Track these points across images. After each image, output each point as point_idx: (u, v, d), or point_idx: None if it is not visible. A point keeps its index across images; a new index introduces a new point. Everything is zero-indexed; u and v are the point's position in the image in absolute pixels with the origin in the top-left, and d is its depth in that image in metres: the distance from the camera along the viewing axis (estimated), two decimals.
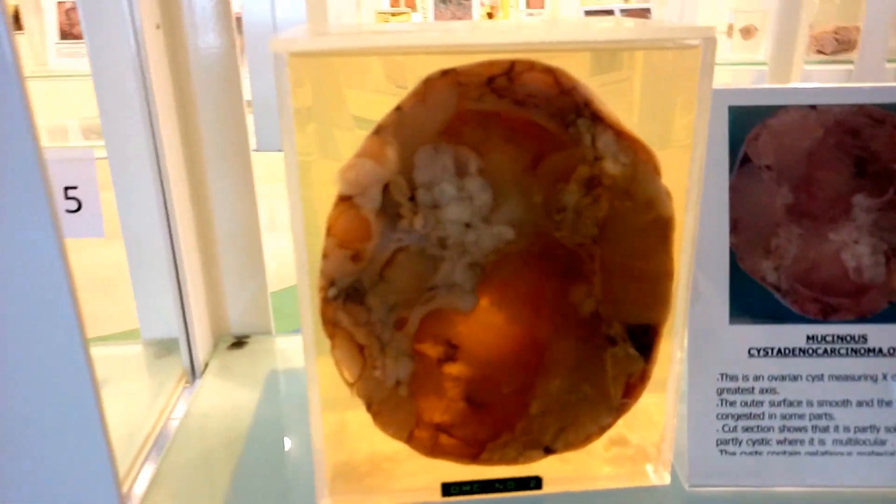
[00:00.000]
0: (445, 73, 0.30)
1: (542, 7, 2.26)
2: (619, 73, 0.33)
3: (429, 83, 0.30)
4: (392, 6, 2.31)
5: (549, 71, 0.30)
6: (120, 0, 0.42)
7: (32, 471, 0.27)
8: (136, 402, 0.47)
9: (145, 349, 0.53)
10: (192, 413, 0.45)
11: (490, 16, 2.23)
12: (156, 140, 0.45)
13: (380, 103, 0.30)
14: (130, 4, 0.42)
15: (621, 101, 0.33)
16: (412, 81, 0.30)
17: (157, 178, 0.46)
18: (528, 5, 2.27)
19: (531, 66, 0.30)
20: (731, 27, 1.86)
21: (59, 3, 2.07)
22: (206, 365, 0.50)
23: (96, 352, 0.47)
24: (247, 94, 0.55)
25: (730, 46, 1.86)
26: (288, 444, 0.42)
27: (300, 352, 0.51)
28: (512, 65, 0.30)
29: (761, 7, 1.93)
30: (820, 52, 1.74)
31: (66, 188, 0.54)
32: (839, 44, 1.71)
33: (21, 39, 2.58)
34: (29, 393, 0.26)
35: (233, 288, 0.53)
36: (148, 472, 0.41)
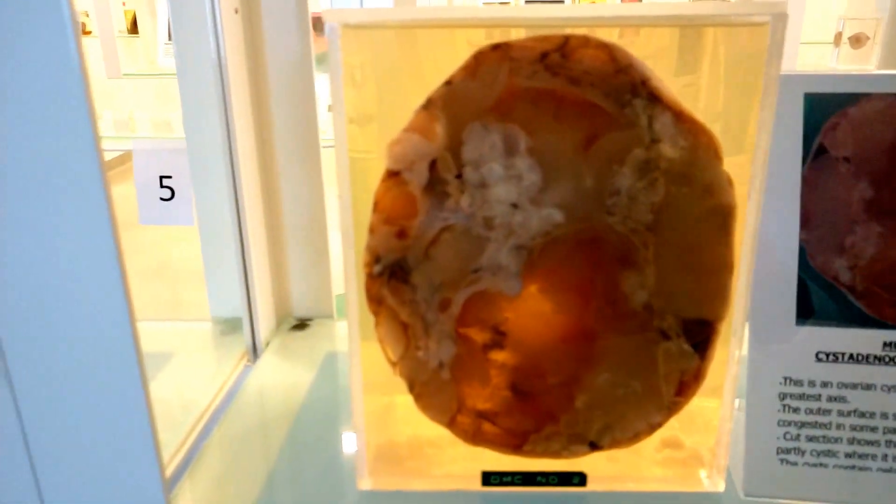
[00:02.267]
0: (496, 48, 0.29)
1: None
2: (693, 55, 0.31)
3: (479, 57, 0.29)
4: None
5: (605, 47, 0.29)
6: None
7: (80, 451, 0.28)
8: (198, 375, 0.49)
9: (214, 327, 0.54)
10: (247, 389, 0.46)
11: None
12: (229, 127, 0.46)
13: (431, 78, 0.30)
14: None
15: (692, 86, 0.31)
16: (463, 56, 0.29)
17: (229, 166, 0.47)
18: None
19: (586, 41, 0.29)
20: (839, 36, 1.76)
21: None
22: (268, 344, 0.51)
23: (168, 327, 0.49)
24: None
25: (837, 56, 1.76)
26: (336, 423, 0.42)
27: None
28: (566, 40, 0.29)
29: (875, 14, 1.82)
30: None
31: (162, 177, 0.56)
32: None
33: (135, 42, 2.75)
34: (79, 375, 0.26)
35: (298, 272, 0.54)
36: (200, 444, 0.42)
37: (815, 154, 0.33)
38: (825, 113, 0.33)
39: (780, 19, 0.28)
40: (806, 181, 0.33)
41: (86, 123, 0.22)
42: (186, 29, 0.48)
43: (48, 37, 0.22)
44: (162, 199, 0.57)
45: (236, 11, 0.45)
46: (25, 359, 0.26)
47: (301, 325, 0.54)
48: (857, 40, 1.76)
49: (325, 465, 0.39)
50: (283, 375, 0.47)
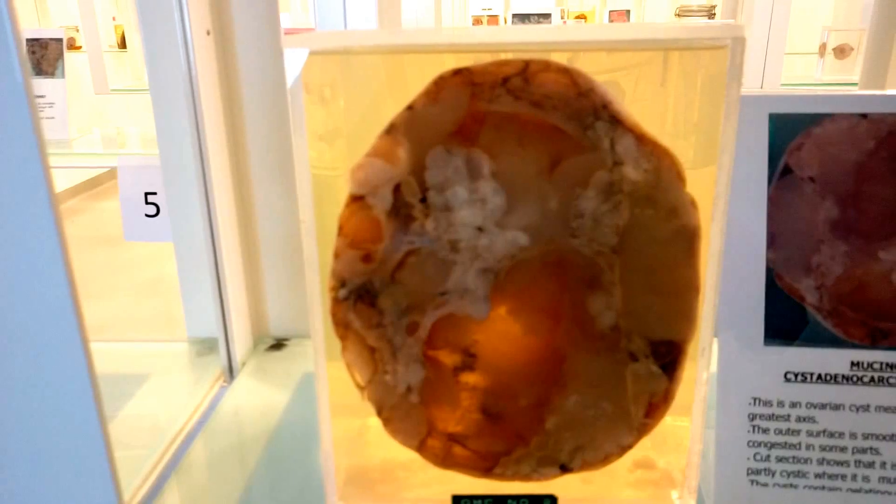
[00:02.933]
0: (458, 72, 0.29)
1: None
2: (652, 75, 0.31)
3: (441, 82, 0.29)
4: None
5: (566, 71, 0.29)
6: (172, 5, 0.44)
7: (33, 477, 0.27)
8: (173, 397, 0.48)
9: (189, 347, 0.54)
10: (223, 410, 0.45)
11: None
12: (202, 146, 0.46)
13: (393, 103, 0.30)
14: (182, 10, 0.43)
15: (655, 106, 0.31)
16: (424, 81, 0.29)
17: (202, 185, 0.47)
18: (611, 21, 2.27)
19: (546, 66, 0.29)
20: (823, 47, 1.78)
21: None
22: (244, 364, 0.51)
23: (143, 348, 0.49)
24: None
25: (821, 67, 1.78)
26: (312, 444, 0.42)
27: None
28: (526, 64, 0.29)
29: (859, 25, 1.84)
30: None
31: (147, 193, 0.56)
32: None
33: (123, 57, 2.75)
34: (30, 398, 0.26)
35: (274, 292, 0.53)
36: (174, 465, 0.42)
37: (780, 174, 0.33)
38: (790, 133, 0.33)
39: (739, 42, 0.28)
40: (772, 201, 0.33)
41: (30, 135, 0.22)
42: (158, 48, 0.48)
43: None
44: (147, 215, 0.57)
45: (208, 33, 0.45)
46: None
47: (278, 344, 0.53)
48: (841, 51, 1.78)
49: (299, 487, 0.39)
50: (259, 396, 0.47)
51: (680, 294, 0.32)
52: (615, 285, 0.32)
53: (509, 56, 0.29)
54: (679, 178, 0.30)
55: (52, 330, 0.25)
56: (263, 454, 0.41)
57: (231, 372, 0.50)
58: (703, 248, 0.31)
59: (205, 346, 0.53)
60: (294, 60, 0.28)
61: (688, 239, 0.31)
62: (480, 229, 0.31)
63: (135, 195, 0.56)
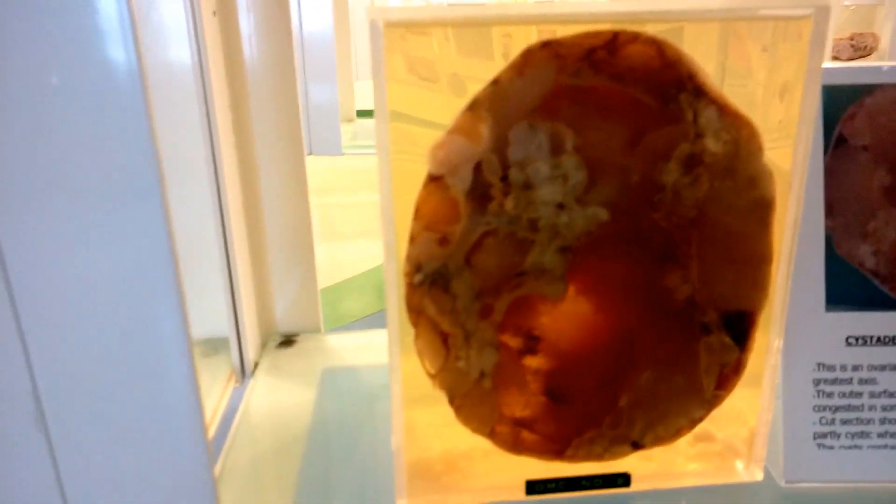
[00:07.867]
0: (545, 45, 0.28)
1: None
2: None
3: (528, 55, 0.28)
4: None
5: (654, 42, 0.28)
6: None
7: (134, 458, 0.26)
8: None
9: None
10: (249, 412, 0.43)
11: None
12: (213, 140, 0.43)
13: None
14: None
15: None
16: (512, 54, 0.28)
17: (212, 179, 0.44)
18: None
19: (635, 37, 0.28)
20: None
21: None
22: (256, 364, 0.48)
23: None
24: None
25: None
26: (354, 442, 0.40)
27: (352, 349, 0.50)
28: (615, 36, 0.28)
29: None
30: (836, 58, 1.72)
31: None
32: (855, 50, 1.69)
33: None
34: (131, 384, 0.25)
35: (282, 286, 0.51)
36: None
37: (835, 144, 0.34)
38: (843, 104, 0.33)
39: (823, 12, 0.28)
40: (828, 171, 0.34)
41: (146, 131, 0.20)
42: (162, 33, 0.44)
43: (106, 42, 0.19)
44: None
45: (214, 14, 0.43)
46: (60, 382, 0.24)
47: (287, 341, 0.51)
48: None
49: (357, 485, 0.37)
50: (284, 395, 0.45)
51: (754, 264, 0.32)
52: (691, 258, 0.32)
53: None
54: (759, 149, 0.30)
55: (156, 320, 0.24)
56: (307, 454, 0.39)
57: (243, 372, 0.48)
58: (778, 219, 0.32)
59: (209, 347, 0.50)
60: (377, 34, 0.27)
61: (764, 209, 0.31)
62: (561, 206, 0.30)
63: None
